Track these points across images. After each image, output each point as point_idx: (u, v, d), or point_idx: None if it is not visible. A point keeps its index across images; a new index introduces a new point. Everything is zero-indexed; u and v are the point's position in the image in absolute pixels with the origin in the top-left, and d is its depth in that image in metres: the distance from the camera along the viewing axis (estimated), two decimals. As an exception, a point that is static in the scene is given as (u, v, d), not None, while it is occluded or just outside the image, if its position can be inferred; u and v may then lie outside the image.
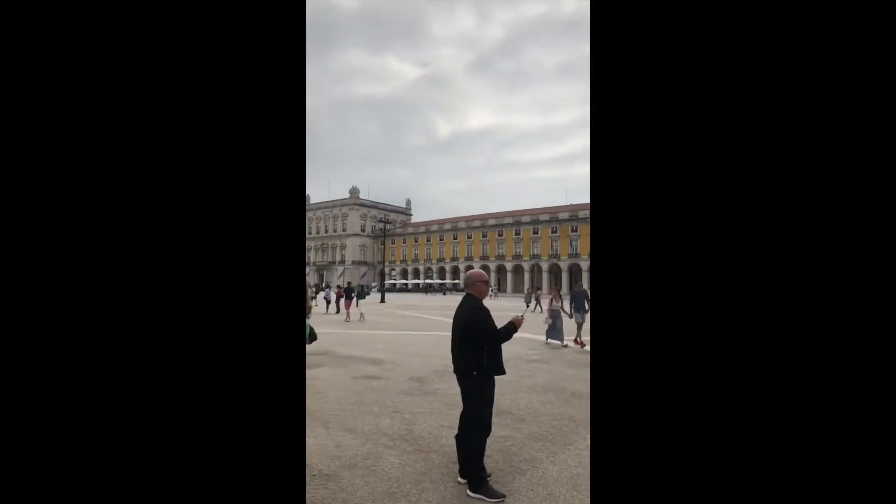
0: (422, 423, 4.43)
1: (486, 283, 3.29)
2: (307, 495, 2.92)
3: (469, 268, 62.39)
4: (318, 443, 3.86)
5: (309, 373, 2.75)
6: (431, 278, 68.50)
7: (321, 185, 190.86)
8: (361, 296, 17.06)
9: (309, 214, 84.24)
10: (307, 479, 3.15)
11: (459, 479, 3.11)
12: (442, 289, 61.46)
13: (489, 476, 3.08)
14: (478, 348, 2.99)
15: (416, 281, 68.03)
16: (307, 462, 3.42)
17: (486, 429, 3.06)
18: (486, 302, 3.26)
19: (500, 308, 5.46)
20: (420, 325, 15.03)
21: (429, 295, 53.17)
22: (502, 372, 3.08)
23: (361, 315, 16.41)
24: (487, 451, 3.15)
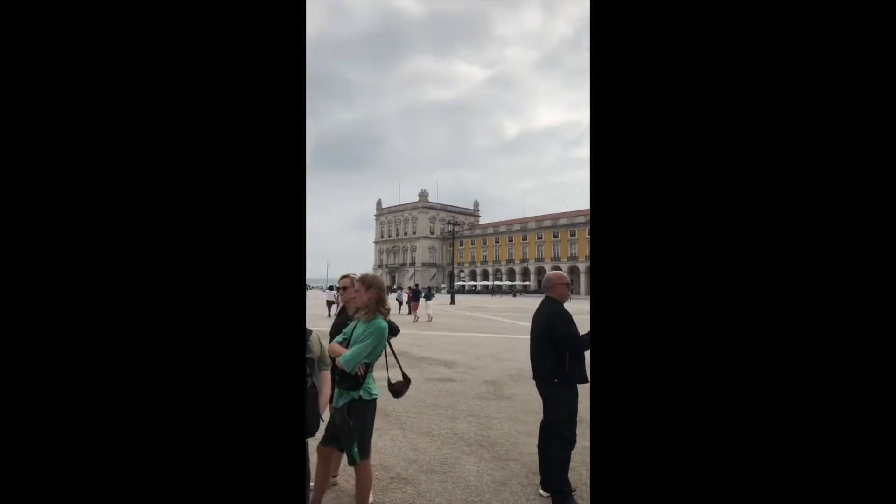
0: (498, 429, 4.31)
1: (568, 285, 3.10)
2: (386, 498, 2.92)
3: (540, 269, 61.24)
4: (395, 445, 3.87)
5: (384, 373, 2.77)
6: (500, 280, 67.97)
7: (392, 190, 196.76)
8: (429, 297, 17.23)
9: (381, 218, 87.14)
10: (386, 481, 3.15)
11: (541, 491, 2.95)
12: (512, 290, 60.75)
13: (574, 491, 2.89)
14: (559, 355, 2.83)
15: (485, 282, 67.84)
16: (385, 463, 3.44)
17: (570, 441, 2.88)
18: (566, 305, 3.07)
19: (584, 312, 5.20)
20: (491, 328, 14.89)
21: (497, 297, 52.81)
22: (585, 380, 2.88)
23: (429, 316, 16.56)
24: (571, 464, 2.96)
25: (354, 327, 2.55)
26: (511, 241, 70.38)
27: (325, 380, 2.02)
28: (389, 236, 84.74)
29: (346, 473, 3.12)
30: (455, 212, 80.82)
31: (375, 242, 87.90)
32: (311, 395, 1.86)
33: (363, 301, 2.53)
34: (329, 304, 19.53)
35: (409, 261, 79.15)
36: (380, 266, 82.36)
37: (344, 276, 3.08)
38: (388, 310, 2.58)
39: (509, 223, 73.70)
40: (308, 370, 1.85)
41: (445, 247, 75.70)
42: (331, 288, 22.24)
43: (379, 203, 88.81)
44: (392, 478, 3.22)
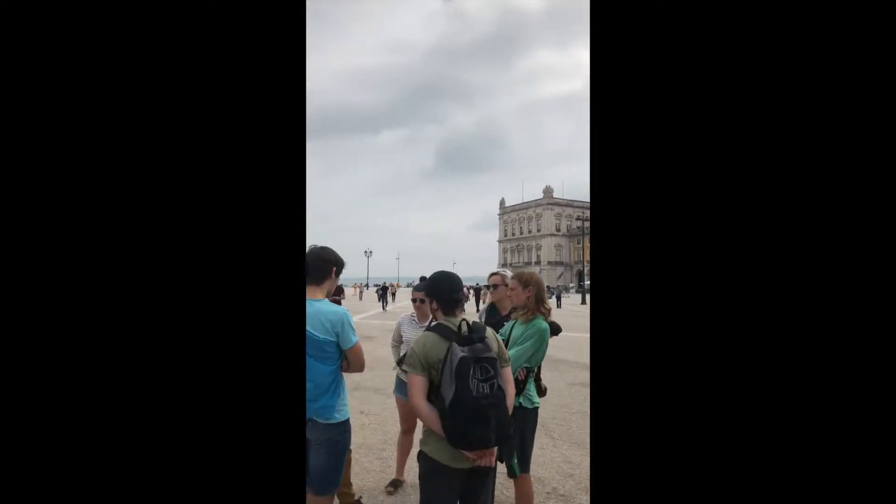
0: (662, 448, 3.78)
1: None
2: (542, 514, 2.67)
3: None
4: (546, 455, 3.60)
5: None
6: (635, 278, 63.04)
7: (515, 189, 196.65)
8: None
9: (504, 217, 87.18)
10: (542, 496, 2.90)
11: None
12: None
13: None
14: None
15: (617, 281, 63.47)
16: (538, 475, 3.19)
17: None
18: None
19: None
20: (631, 330, 13.71)
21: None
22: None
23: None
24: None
25: (512, 328, 2.35)
26: (646, 236, 64.81)
27: (508, 378, 1.74)
28: (513, 235, 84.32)
29: (500, 485, 2.94)
30: (583, 207, 77.01)
31: (499, 241, 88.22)
32: (498, 397, 1.60)
33: (520, 300, 2.32)
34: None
35: (533, 259, 77.81)
36: (504, 265, 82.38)
37: (493, 274, 2.91)
38: (549, 309, 2.33)
39: (643, 217, 67.97)
40: (491, 371, 1.61)
41: (573, 244, 72.77)
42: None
43: (502, 202, 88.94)
44: (548, 492, 2.96)
